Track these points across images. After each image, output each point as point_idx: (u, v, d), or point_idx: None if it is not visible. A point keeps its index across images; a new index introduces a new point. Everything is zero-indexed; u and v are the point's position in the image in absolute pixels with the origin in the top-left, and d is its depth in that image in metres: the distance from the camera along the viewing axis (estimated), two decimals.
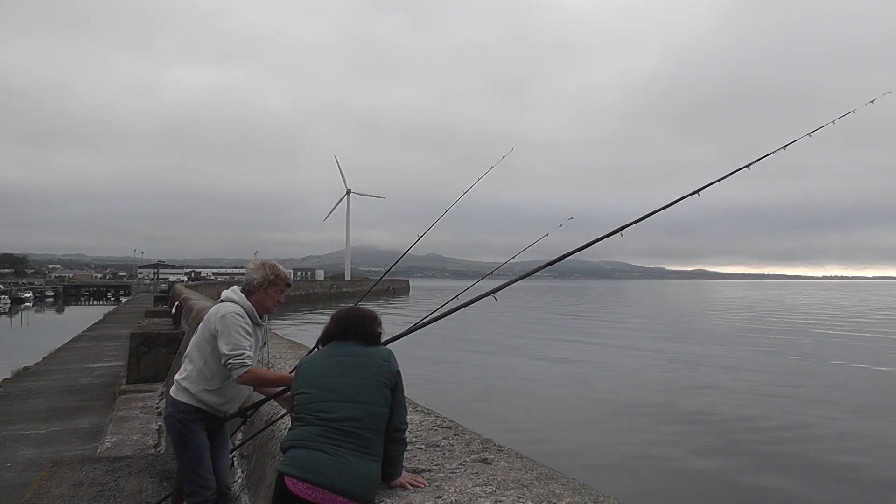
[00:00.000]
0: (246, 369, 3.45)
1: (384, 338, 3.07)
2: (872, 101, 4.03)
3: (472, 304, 3.46)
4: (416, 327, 3.58)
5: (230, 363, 3.45)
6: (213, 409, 3.66)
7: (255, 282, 3.70)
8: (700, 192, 3.58)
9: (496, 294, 3.42)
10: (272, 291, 3.74)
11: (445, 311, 3.62)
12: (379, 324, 2.99)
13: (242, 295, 3.71)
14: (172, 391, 3.66)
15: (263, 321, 3.81)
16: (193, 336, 3.73)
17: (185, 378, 3.62)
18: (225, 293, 3.77)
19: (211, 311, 3.69)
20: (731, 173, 3.70)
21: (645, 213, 3.58)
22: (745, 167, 3.72)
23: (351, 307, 3.07)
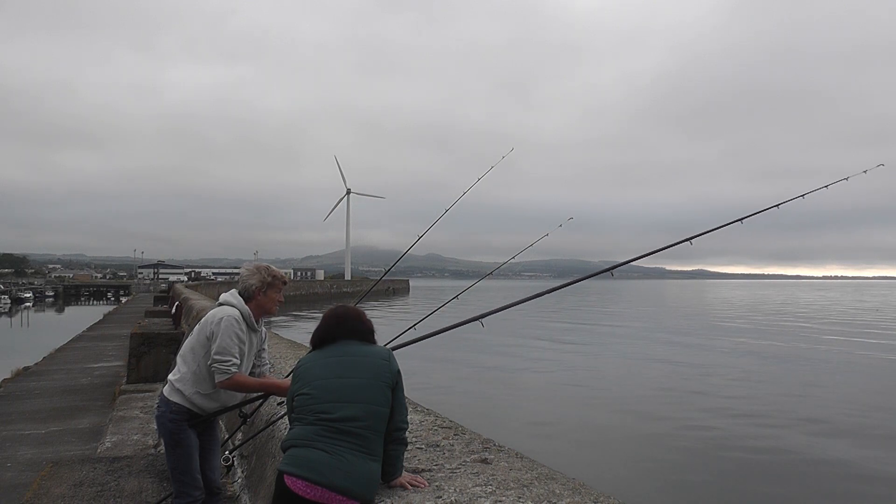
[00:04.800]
0: (228, 376, 3.49)
1: (386, 341, 3.08)
2: (865, 172, 4.24)
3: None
4: (427, 336, 3.67)
5: (214, 367, 3.49)
6: (206, 412, 3.66)
7: (254, 287, 3.69)
8: (692, 240, 3.77)
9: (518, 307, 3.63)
10: (271, 293, 3.74)
11: (462, 320, 3.76)
12: (366, 320, 3.00)
13: (241, 298, 3.70)
14: (166, 391, 3.66)
15: (260, 326, 3.81)
16: (189, 337, 3.73)
17: (179, 379, 3.61)
18: (223, 297, 3.75)
19: (208, 314, 3.68)
20: (724, 225, 3.90)
21: (640, 254, 4.02)
22: (737, 220, 3.90)
23: (341, 306, 3.06)
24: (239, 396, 3.81)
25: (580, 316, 53.32)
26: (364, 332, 2.92)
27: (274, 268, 3.81)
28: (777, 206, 3.91)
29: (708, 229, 3.86)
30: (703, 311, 64.53)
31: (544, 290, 3.80)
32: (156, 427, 3.82)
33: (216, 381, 3.53)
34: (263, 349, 3.91)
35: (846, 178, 4.14)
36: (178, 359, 3.71)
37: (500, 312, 3.69)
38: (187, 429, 3.61)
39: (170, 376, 3.71)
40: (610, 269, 3.92)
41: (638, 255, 4.01)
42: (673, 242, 3.87)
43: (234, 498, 4.71)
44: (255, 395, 3.91)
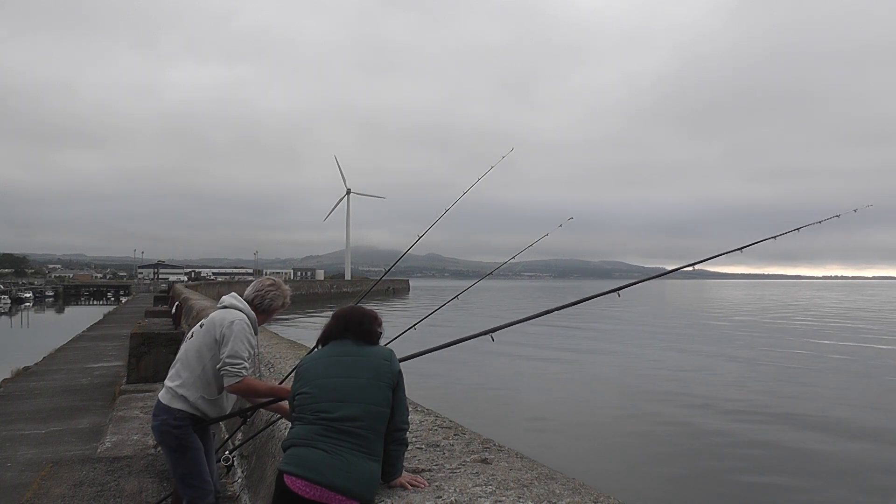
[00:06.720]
0: (239, 379, 3.45)
1: (386, 341, 3.09)
2: (856, 210, 4.42)
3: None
4: (433, 349, 3.80)
5: (225, 370, 3.43)
6: (209, 417, 3.62)
7: (274, 306, 3.81)
8: (694, 266, 3.90)
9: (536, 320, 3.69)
10: (273, 315, 3.89)
11: (465, 336, 3.92)
12: (379, 323, 3.00)
13: (246, 304, 3.70)
14: (165, 399, 3.55)
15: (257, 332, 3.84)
16: (191, 340, 3.63)
17: (181, 385, 3.52)
18: (229, 300, 3.72)
19: (216, 317, 3.61)
20: (724, 253, 4.05)
21: (642, 278, 4.19)
22: (737, 250, 4.00)
23: (352, 306, 3.07)
24: (239, 403, 3.79)
25: (580, 317, 53.28)
26: (367, 331, 2.92)
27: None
28: (774, 237, 4.11)
29: (709, 257, 4.02)
30: (704, 312, 64.49)
31: (557, 305, 3.91)
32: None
33: (226, 383, 3.46)
34: (259, 352, 3.94)
35: (838, 216, 4.34)
36: (179, 363, 3.60)
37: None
38: (193, 433, 3.56)
39: (168, 383, 3.60)
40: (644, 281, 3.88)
41: (682, 265, 4.04)
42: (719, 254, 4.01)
43: (234, 498, 4.71)
44: (261, 401, 3.85)
